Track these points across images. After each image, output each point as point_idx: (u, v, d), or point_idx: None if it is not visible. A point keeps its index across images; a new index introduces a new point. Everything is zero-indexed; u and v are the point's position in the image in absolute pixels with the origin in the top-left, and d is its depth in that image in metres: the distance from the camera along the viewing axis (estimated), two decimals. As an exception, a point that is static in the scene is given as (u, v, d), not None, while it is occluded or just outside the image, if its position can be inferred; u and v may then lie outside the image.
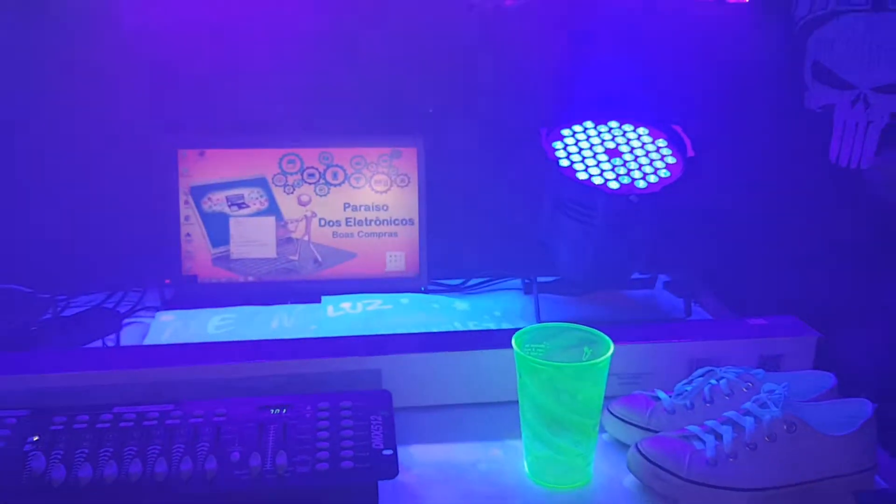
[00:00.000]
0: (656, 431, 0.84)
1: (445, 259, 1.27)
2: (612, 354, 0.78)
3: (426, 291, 1.23)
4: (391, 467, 0.76)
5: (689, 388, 0.87)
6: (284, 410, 0.82)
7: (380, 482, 0.76)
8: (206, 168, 1.18)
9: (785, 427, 0.77)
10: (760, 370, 0.88)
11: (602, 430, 0.87)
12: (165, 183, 1.17)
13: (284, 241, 1.21)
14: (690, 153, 1.13)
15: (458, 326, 1.12)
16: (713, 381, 0.86)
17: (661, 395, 0.87)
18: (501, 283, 1.29)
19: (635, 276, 1.27)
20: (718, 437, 0.79)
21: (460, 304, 1.20)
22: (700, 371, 0.88)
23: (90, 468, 0.73)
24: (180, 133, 1.19)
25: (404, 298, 1.18)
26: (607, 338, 0.80)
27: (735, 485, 0.76)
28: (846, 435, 0.77)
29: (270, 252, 1.20)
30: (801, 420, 0.77)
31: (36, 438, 0.77)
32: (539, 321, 1.15)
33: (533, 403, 0.78)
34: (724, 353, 0.95)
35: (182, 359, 0.89)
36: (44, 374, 0.86)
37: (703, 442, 0.79)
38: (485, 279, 1.30)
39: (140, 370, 0.87)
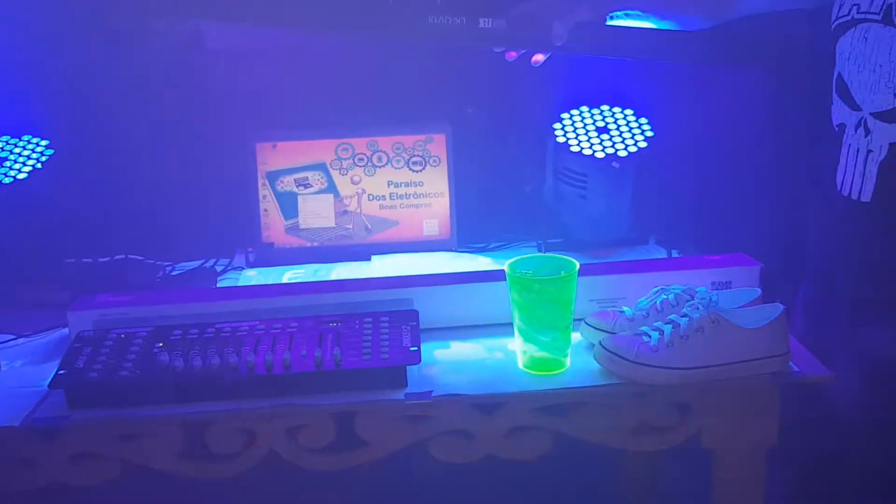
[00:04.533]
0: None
1: (472, 225, 1.54)
2: (577, 271, 1.04)
3: (456, 250, 1.50)
4: (415, 357, 1.04)
5: (646, 302, 1.12)
6: (339, 324, 1.11)
7: (408, 367, 1.04)
8: (279, 157, 1.49)
9: (711, 322, 1.01)
10: (703, 287, 1.12)
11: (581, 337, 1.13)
12: (247, 170, 1.49)
13: (341, 213, 1.50)
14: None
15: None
16: (664, 296, 1.11)
17: (625, 309, 1.13)
18: (519, 244, 1.56)
19: (630, 234, 1.51)
20: (661, 332, 1.04)
21: (483, 259, 1.47)
22: (655, 289, 1.13)
23: (200, 360, 1.04)
24: (258, 130, 1.50)
25: (438, 256, 1.46)
26: (575, 262, 1.06)
27: (670, 365, 1.01)
28: (759, 327, 1.02)
29: (330, 222, 1.50)
30: (723, 318, 1.01)
31: (161, 344, 1.08)
32: (546, 270, 1.42)
33: (521, 311, 1.05)
34: (683, 281, 1.19)
35: (264, 292, 1.19)
36: (164, 304, 1.17)
37: (650, 336, 1.04)
38: (505, 242, 1.56)
39: (234, 300, 1.17)
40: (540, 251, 1.50)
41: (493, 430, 1.06)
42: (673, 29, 1.21)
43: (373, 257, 1.47)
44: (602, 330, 1.11)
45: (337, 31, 1.28)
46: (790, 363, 1.05)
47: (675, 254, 1.45)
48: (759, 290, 1.11)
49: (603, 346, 1.04)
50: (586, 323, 1.13)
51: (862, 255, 1.07)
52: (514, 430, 1.07)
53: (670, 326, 1.04)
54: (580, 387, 1.03)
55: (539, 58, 1.24)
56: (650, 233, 1.53)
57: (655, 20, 1.20)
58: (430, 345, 1.14)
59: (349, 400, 1.02)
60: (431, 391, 1.03)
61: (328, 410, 1.03)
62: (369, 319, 1.11)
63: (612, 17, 1.21)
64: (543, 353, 1.06)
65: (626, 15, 1.21)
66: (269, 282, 1.39)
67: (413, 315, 1.13)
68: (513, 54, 1.23)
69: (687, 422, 1.07)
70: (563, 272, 1.07)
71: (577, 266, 1.05)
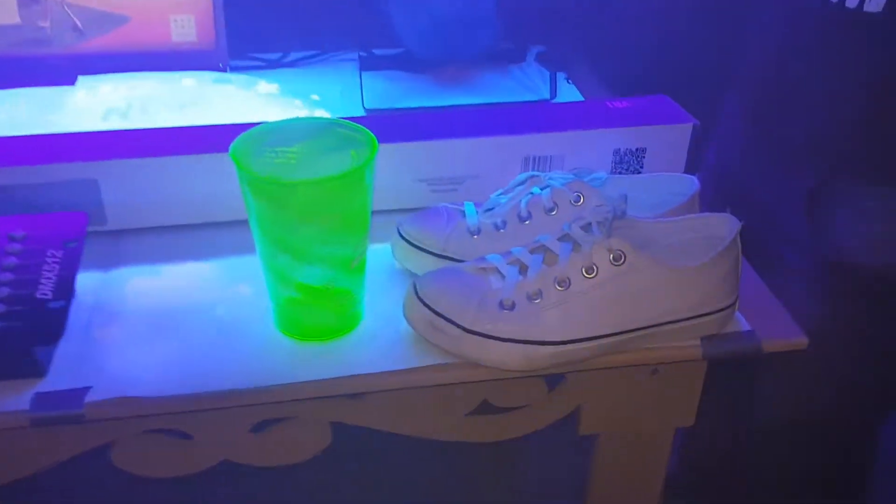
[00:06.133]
0: (457, 260, 0.63)
1: (253, 25, 0.98)
2: (375, 156, 0.55)
3: (226, 69, 0.96)
4: (55, 327, 0.54)
5: (504, 199, 0.65)
6: (-73, 245, 0.59)
7: (67, 344, 0.55)
8: None
9: (611, 256, 0.55)
10: (601, 173, 0.65)
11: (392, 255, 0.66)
12: None
13: (29, 2, 0.91)
14: None
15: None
16: (535, 191, 0.63)
17: (469, 208, 0.65)
18: (330, 57, 1.02)
19: (501, 44, 1.00)
20: (524, 269, 0.58)
21: (267, 85, 0.93)
22: (521, 177, 0.65)
23: None
24: None
25: (189, 79, 0.92)
26: (373, 137, 0.56)
27: (534, 336, 0.55)
28: (695, 266, 0.56)
29: (11, 16, 0.91)
30: (633, 247, 0.55)
31: None
32: (364, 108, 0.91)
33: (268, 232, 0.55)
34: (570, 148, 0.72)
35: None
36: None
37: (503, 275, 0.57)
38: (312, 53, 1.02)
39: None
40: (361, 70, 0.97)
41: (226, 428, 0.61)
42: None
43: (80, 79, 0.91)
44: (425, 250, 0.63)
45: None
46: (737, 316, 0.61)
47: (563, 81, 0.96)
48: (696, 182, 0.65)
49: (419, 297, 0.57)
50: (401, 233, 0.65)
51: None
52: (264, 423, 0.62)
53: (539, 259, 0.57)
54: (379, 372, 0.57)
55: None
56: (531, 44, 1.03)
57: None
58: (121, 273, 0.65)
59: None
60: (88, 388, 0.54)
61: None
62: (-14, 236, 0.60)
63: None
64: (308, 304, 0.58)
65: None
66: None
67: (75, 224, 0.61)
68: None
69: (556, 399, 0.65)
70: (354, 153, 0.57)
71: (377, 147, 0.55)
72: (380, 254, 0.66)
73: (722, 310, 0.58)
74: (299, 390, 0.56)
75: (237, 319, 0.61)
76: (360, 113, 0.90)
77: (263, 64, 1.00)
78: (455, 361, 0.57)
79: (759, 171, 0.82)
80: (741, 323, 0.60)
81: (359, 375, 0.56)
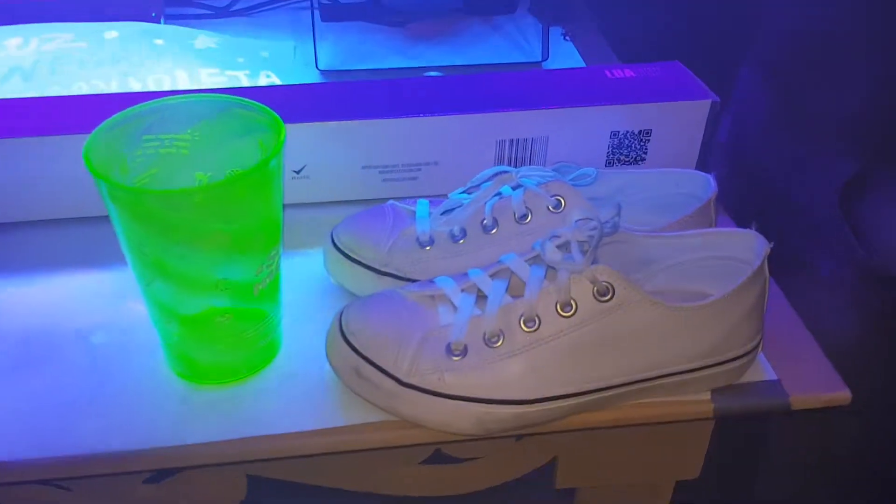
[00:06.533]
0: (401, 278, 0.49)
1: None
2: (279, 154, 0.41)
3: (159, 19, 0.81)
4: None
5: (467, 199, 0.51)
6: None
7: None
8: None
9: (594, 289, 0.42)
10: (590, 169, 0.51)
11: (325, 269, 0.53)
12: None
13: (-80, -64, 0.76)
14: None
15: (185, 83, 0.72)
16: (504, 191, 0.49)
17: (422, 209, 0.51)
18: (290, 4, 0.88)
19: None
20: (482, 298, 0.44)
21: (206, 39, 0.79)
22: (488, 172, 0.51)
23: None
24: None
25: (112, 31, 0.77)
26: (279, 121, 0.42)
27: (490, 392, 0.42)
28: (707, 303, 0.43)
29: None
30: (624, 279, 0.42)
31: None
32: (318, 69, 0.76)
33: (136, 252, 0.42)
34: (557, 130, 0.57)
35: None
36: None
37: (454, 308, 0.44)
38: (260, 1, 0.88)
39: None
40: (321, 21, 0.82)
41: (113, 480, 0.49)
42: None
43: (-17, 32, 0.77)
44: (363, 264, 0.50)
45: None
46: (760, 358, 0.48)
47: (560, 38, 0.81)
48: (713, 183, 0.50)
49: (343, 335, 0.44)
50: (335, 242, 0.51)
51: None
52: (164, 472, 0.50)
53: (503, 286, 0.44)
54: (293, 432, 0.44)
55: None
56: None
57: None
58: (-11, 280, 0.52)
59: None
60: None
61: None
62: None
63: None
64: (201, 342, 0.45)
65: None
66: None
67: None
68: None
69: (527, 449, 0.52)
70: (260, 142, 0.43)
71: (283, 135, 0.41)
72: (312, 261, 0.53)
73: (740, 357, 0.45)
74: (189, 455, 0.43)
75: (121, 351, 0.48)
76: (314, 74, 0.76)
77: (207, 13, 0.85)
78: (393, 419, 0.44)
79: (784, 157, 0.67)
80: (765, 370, 0.47)
81: (265, 437, 0.43)
